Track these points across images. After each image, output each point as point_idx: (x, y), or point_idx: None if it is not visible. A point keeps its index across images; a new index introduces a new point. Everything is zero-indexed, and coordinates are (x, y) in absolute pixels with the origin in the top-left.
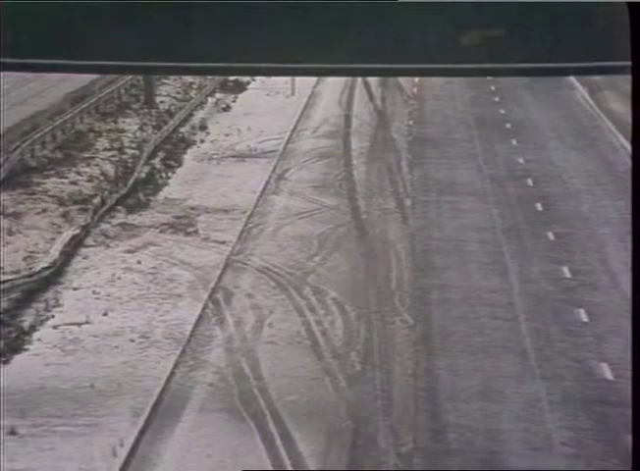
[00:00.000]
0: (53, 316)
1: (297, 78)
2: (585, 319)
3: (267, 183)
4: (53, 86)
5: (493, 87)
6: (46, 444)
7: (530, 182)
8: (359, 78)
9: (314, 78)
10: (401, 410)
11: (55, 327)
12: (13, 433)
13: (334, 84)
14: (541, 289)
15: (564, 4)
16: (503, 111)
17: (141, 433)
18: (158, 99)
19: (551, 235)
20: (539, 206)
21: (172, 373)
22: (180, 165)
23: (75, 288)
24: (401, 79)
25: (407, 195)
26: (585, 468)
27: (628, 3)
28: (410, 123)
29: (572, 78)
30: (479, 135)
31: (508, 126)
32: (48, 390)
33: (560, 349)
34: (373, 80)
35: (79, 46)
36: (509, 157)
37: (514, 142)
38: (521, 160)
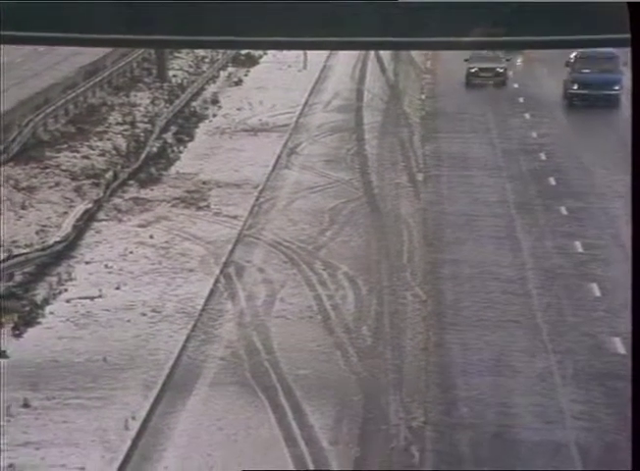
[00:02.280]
0: (66, 290)
1: (309, 52)
2: (597, 293)
3: (279, 157)
4: (65, 60)
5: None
6: (59, 416)
7: (543, 156)
8: (372, 52)
9: (326, 52)
10: (412, 384)
11: (68, 301)
12: (26, 405)
13: (346, 58)
14: (553, 264)
15: None
16: (516, 85)
17: (153, 406)
18: (170, 73)
19: (564, 210)
20: (552, 180)
21: (183, 347)
22: (192, 139)
23: (87, 262)
24: (414, 53)
25: (420, 170)
26: (597, 441)
27: (628, 3)
28: (423, 97)
29: None
30: (492, 109)
31: (521, 100)
32: (61, 363)
33: (572, 324)
34: (385, 54)
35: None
36: (523, 131)
37: (527, 116)
38: (534, 134)
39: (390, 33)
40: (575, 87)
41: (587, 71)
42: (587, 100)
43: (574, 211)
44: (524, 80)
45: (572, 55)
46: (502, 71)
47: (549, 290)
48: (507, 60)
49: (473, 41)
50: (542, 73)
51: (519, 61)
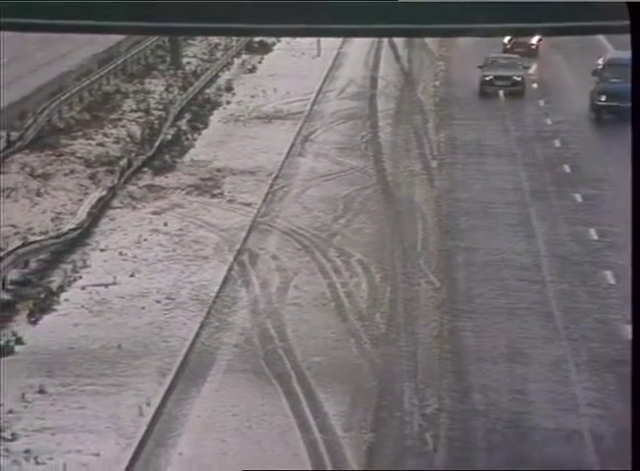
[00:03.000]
0: (81, 277)
1: (323, 39)
2: (612, 281)
3: (293, 144)
4: (79, 48)
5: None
6: (75, 402)
7: (558, 143)
8: (385, 39)
9: (340, 39)
10: (426, 371)
11: (83, 288)
12: (42, 391)
13: (360, 45)
14: (568, 251)
15: None
16: (530, 71)
17: (168, 393)
18: (184, 60)
19: (578, 197)
20: (567, 168)
21: (197, 334)
22: (206, 126)
23: (102, 250)
24: (428, 40)
25: (434, 157)
26: (610, 428)
27: (628, 3)
28: (437, 84)
29: (601, 38)
30: (506, 96)
31: (535, 86)
32: (76, 350)
33: (586, 311)
34: (399, 41)
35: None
36: (537, 118)
37: (542, 103)
38: (549, 121)
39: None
40: (604, 99)
41: (617, 80)
42: (617, 113)
43: (589, 198)
44: (538, 66)
45: (600, 61)
46: (519, 79)
47: (563, 278)
48: (525, 67)
49: (472, 28)
50: (556, 59)
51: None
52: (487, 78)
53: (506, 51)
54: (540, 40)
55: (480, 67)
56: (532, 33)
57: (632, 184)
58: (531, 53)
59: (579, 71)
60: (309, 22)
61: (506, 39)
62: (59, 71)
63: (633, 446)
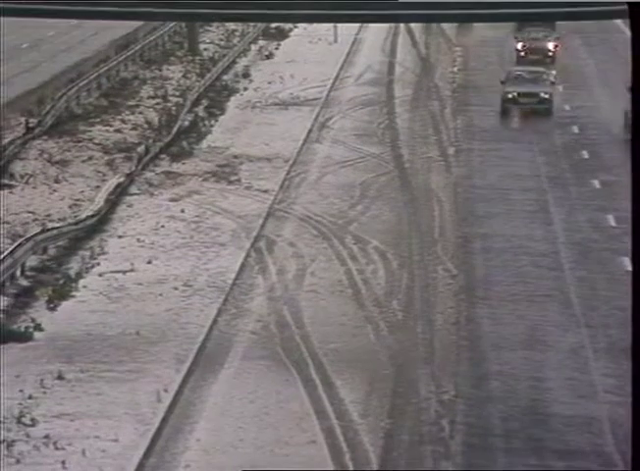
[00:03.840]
0: (98, 264)
1: (340, 25)
2: (630, 267)
3: (310, 131)
4: (97, 34)
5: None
6: (93, 388)
7: (576, 129)
8: (402, 25)
9: (357, 25)
10: (443, 358)
11: (101, 274)
12: (61, 378)
13: (377, 31)
14: (586, 238)
15: None
16: (549, 28)
17: (185, 379)
18: (201, 46)
19: (596, 184)
20: (585, 154)
21: (215, 321)
22: (223, 113)
23: (119, 236)
24: (446, 26)
25: (451, 143)
26: (628, 415)
27: (628, 3)
28: (454, 69)
29: (619, 22)
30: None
31: (554, 71)
32: (94, 336)
33: (604, 298)
34: (417, 27)
35: None
36: (555, 103)
37: (560, 89)
38: (567, 107)
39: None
40: None
41: None
42: None
43: (607, 184)
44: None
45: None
46: (546, 96)
47: (581, 264)
48: (553, 82)
49: (473, 14)
50: (575, 44)
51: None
52: (509, 96)
53: (519, 58)
54: (557, 46)
55: (502, 82)
56: (530, 18)
57: (632, 184)
58: (548, 60)
59: (607, 79)
60: (326, 7)
61: (520, 45)
62: (77, 57)
63: (633, 446)
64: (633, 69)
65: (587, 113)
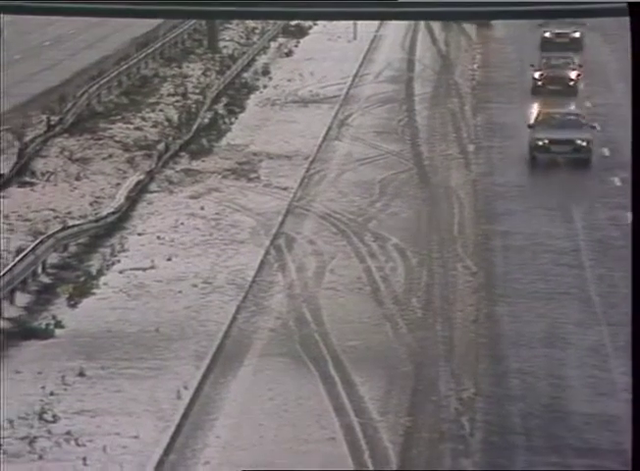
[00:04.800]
0: (119, 261)
1: (359, 22)
2: None
3: (329, 128)
4: (117, 32)
5: (558, 30)
6: (113, 385)
7: (597, 126)
8: (422, 23)
9: (376, 22)
10: (463, 356)
11: (121, 271)
12: (81, 374)
13: (396, 28)
14: (606, 236)
15: None
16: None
17: (205, 376)
18: (221, 44)
19: (617, 181)
20: (606, 151)
21: (234, 318)
22: (242, 110)
23: (139, 234)
24: (466, 23)
25: (471, 141)
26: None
27: (628, 3)
28: (474, 66)
29: None
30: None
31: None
32: (115, 333)
33: (624, 296)
34: (436, 24)
35: None
36: (576, 101)
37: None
38: (588, 104)
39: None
40: None
41: None
42: None
43: (628, 182)
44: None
45: None
46: (584, 144)
47: (601, 262)
48: (593, 127)
49: (467, 11)
50: (595, 42)
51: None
52: (539, 143)
53: (535, 88)
54: (579, 75)
55: (530, 126)
56: (529, 17)
57: (632, 184)
58: (568, 90)
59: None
60: (346, 5)
61: (537, 74)
62: (98, 55)
63: (633, 446)
64: (633, 68)
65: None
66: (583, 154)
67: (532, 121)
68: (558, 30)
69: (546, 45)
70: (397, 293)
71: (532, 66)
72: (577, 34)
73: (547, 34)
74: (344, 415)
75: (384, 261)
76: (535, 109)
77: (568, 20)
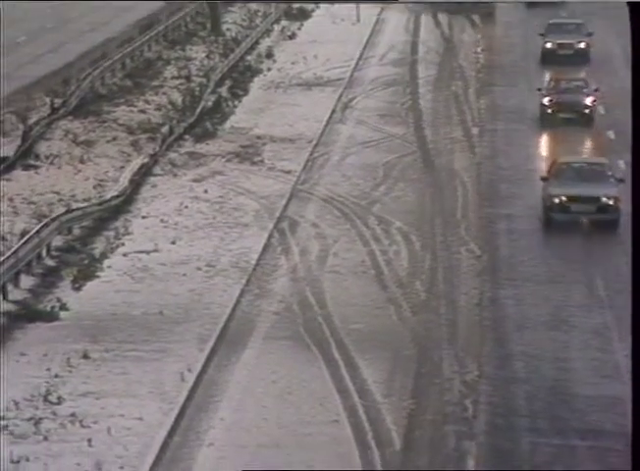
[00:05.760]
0: (123, 244)
1: (362, 5)
2: None
3: (333, 111)
4: (120, 14)
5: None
6: (118, 368)
7: (602, 109)
8: (425, 5)
9: (379, 5)
10: (467, 339)
11: (125, 255)
12: (86, 357)
13: (400, 11)
14: (585, 127)
15: None
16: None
17: (209, 359)
18: (224, 27)
19: (622, 164)
20: (611, 134)
21: (238, 301)
22: (246, 93)
23: (143, 217)
24: (468, 6)
25: (475, 124)
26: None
27: (628, 3)
28: (478, 50)
29: None
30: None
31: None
32: (119, 316)
33: (629, 278)
34: (439, 6)
35: None
36: (595, 131)
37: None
38: (612, 135)
39: None
40: None
41: None
42: None
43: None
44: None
45: None
46: (610, 202)
47: (606, 246)
48: (621, 180)
49: None
50: (599, 25)
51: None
52: (556, 201)
53: (543, 115)
54: (595, 101)
55: (544, 179)
56: None
57: (632, 183)
58: (583, 119)
59: None
60: None
61: (546, 100)
62: (102, 37)
63: (633, 446)
64: (633, 68)
65: None
66: (609, 215)
67: (546, 172)
68: (560, 40)
69: (547, 58)
70: (400, 277)
71: (539, 90)
72: (583, 45)
73: (548, 45)
74: (347, 398)
75: (387, 244)
76: (546, 150)
77: (572, 26)
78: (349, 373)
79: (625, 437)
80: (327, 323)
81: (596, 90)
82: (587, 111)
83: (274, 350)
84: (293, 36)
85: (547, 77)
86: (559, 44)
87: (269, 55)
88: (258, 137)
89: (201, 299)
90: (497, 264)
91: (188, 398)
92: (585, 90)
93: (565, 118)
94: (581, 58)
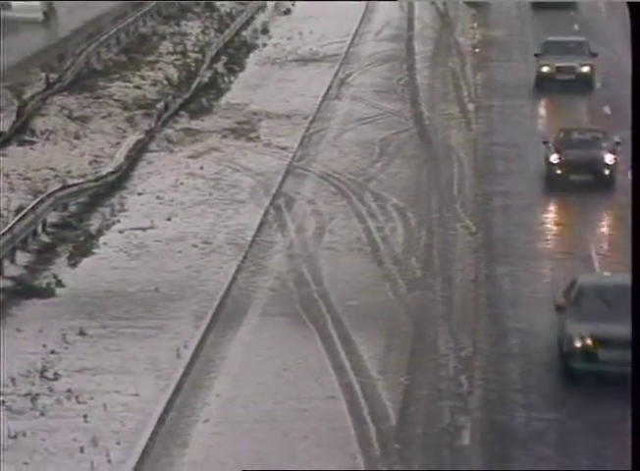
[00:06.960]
0: (119, 221)
1: None
2: None
3: (329, 87)
4: None
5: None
6: (113, 344)
7: (598, 84)
8: None
9: None
10: (462, 315)
11: (121, 231)
12: (82, 333)
13: None
14: (605, 195)
15: None
16: (572, 12)
17: (205, 335)
18: (218, 3)
19: (617, 139)
20: (607, 109)
21: (234, 278)
22: (242, 69)
23: (139, 193)
24: None
25: (471, 100)
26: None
27: (628, 3)
28: (475, 25)
29: None
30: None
31: (576, 27)
32: (115, 293)
33: (626, 251)
34: None
35: None
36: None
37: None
38: None
39: None
40: None
41: None
42: None
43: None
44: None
45: None
46: None
47: (602, 221)
48: None
49: None
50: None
51: None
52: (578, 345)
53: (551, 176)
54: (616, 158)
55: (559, 308)
56: None
57: (632, 182)
58: (603, 182)
59: None
60: None
61: (554, 158)
62: (95, 13)
63: (633, 446)
64: (633, 67)
65: None
66: None
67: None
68: (559, 63)
69: (543, 84)
70: (396, 253)
71: (545, 143)
72: (586, 68)
73: (544, 69)
74: (343, 374)
75: (383, 221)
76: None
77: (573, 45)
78: (345, 349)
79: (622, 409)
80: (323, 299)
81: (617, 144)
82: (607, 172)
83: (270, 327)
84: (288, 12)
85: (542, 110)
86: (557, 68)
87: (264, 30)
88: (254, 113)
89: (197, 276)
90: (492, 241)
91: (184, 375)
92: (604, 145)
93: (580, 180)
94: (584, 84)
